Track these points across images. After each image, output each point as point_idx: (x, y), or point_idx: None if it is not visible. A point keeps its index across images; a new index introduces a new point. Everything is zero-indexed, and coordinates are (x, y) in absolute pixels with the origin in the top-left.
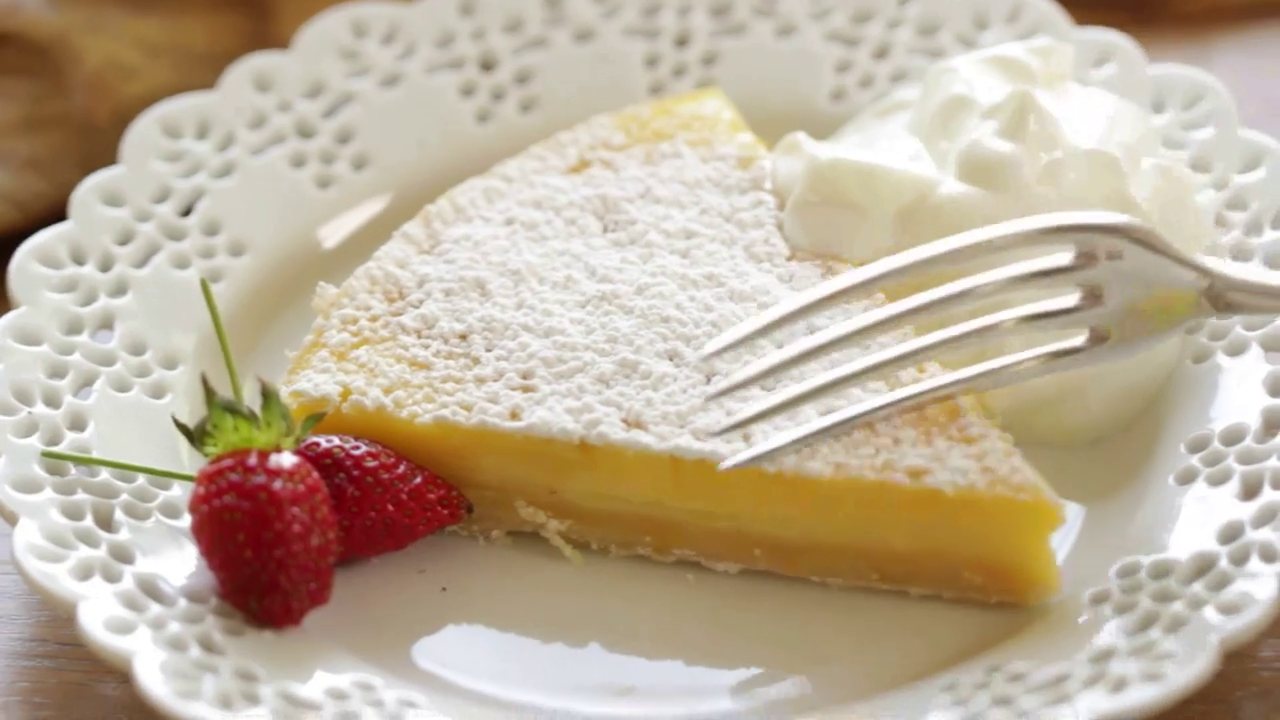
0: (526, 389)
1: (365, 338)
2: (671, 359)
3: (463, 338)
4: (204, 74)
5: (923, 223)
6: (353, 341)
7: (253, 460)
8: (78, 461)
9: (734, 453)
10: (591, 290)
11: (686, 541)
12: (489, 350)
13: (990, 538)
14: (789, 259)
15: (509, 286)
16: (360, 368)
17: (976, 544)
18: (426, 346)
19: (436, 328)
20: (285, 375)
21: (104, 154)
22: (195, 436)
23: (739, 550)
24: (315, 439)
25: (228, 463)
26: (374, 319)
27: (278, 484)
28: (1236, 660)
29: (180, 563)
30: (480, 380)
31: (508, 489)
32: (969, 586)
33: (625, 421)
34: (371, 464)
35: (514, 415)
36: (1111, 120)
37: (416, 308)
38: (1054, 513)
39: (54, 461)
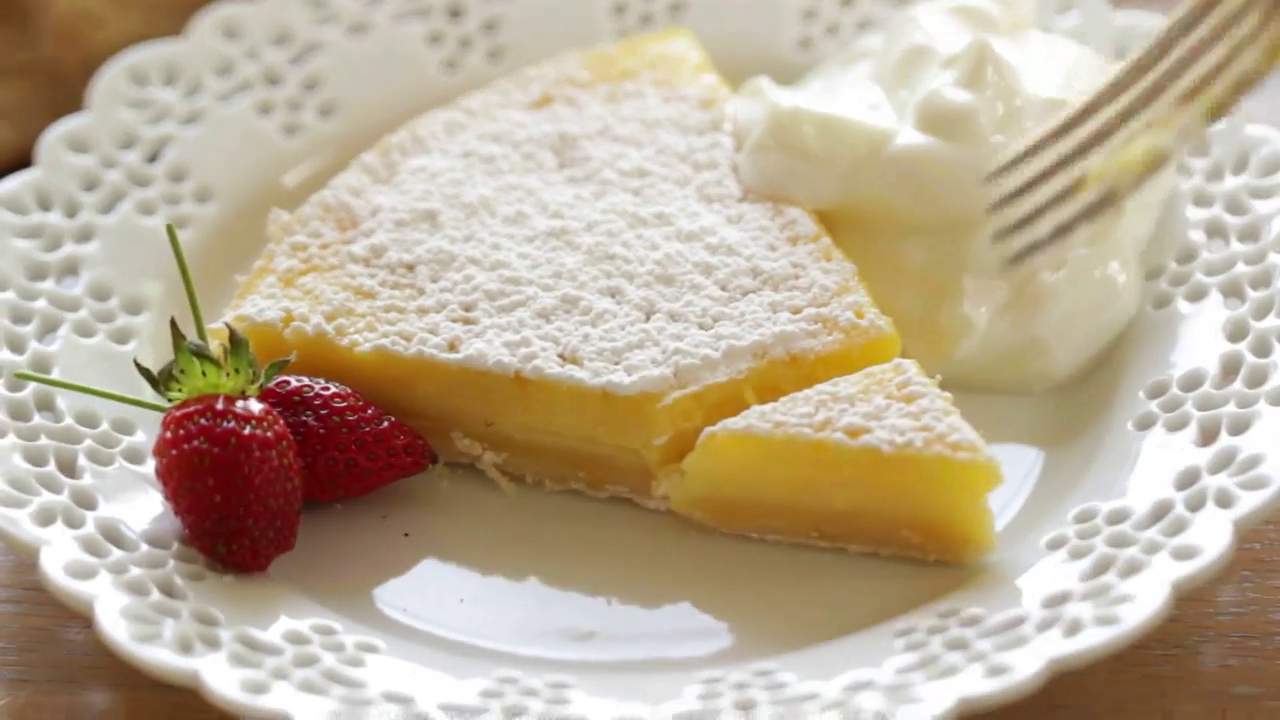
0: (467, 321)
1: (314, 265)
2: (613, 296)
3: (409, 268)
4: (173, 22)
5: (878, 172)
6: (301, 268)
7: (221, 405)
8: (50, 384)
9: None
10: (542, 225)
11: (619, 478)
12: (434, 281)
13: (927, 496)
14: (740, 200)
15: (460, 219)
16: (305, 294)
17: (914, 503)
18: (373, 276)
19: (384, 257)
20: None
21: (72, 102)
22: (160, 381)
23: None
24: (286, 377)
25: (195, 407)
26: (324, 246)
27: (247, 429)
28: (1195, 605)
29: (143, 508)
30: (422, 311)
31: (445, 420)
32: (907, 544)
33: (561, 356)
34: (340, 404)
35: (452, 347)
36: (1071, 69)
37: (367, 237)
38: (991, 472)
39: (17, 406)
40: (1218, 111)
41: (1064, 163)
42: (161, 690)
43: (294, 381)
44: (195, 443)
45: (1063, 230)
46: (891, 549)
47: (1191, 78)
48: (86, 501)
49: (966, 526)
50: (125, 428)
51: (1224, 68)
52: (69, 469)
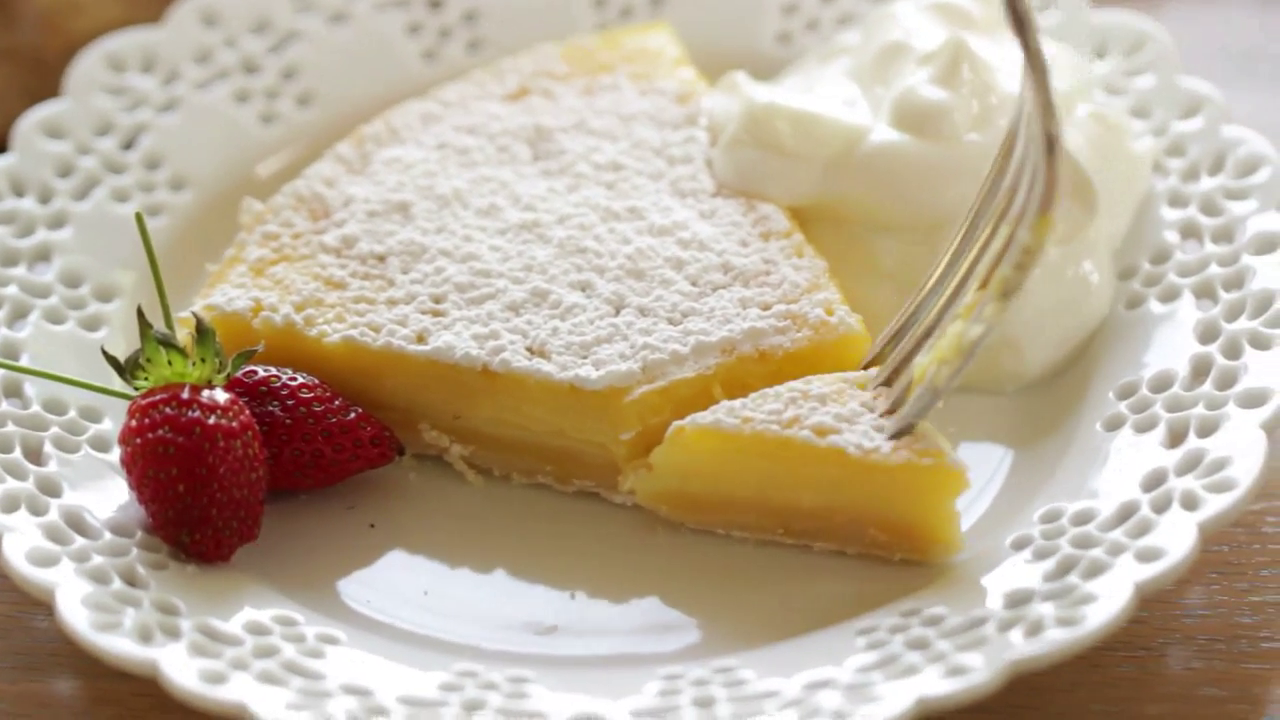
0: (436, 313)
1: (285, 254)
2: (583, 290)
3: (380, 259)
4: (153, 10)
5: (852, 169)
6: (272, 258)
7: (186, 394)
8: (17, 370)
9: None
10: (514, 218)
11: (586, 472)
12: (405, 273)
13: (895, 499)
14: (713, 195)
15: (433, 210)
16: (276, 284)
17: (881, 504)
18: (344, 266)
19: (356, 248)
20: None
21: (52, 88)
22: (127, 369)
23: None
24: (253, 367)
25: (161, 396)
26: (296, 236)
27: (212, 419)
28: (1161, 607)
29: (108, 496)
30: (392, 302)
31: (413, 412)
32: (874, 544)
33: (529, 350)
34: (306, 395)
35: (420, 339)
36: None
37: (339, 227)
38: (957, 477)
39: None
40: (1008, 291)
41: (898, 369)
42: (125, 679)
43: (261, 371)
44: (160, 431)
45: (906, 430)
46: (857, 547)
47: (984, 263)
48: (51, 489)
49: (933, 528)
50: (93, 415)
51: (1007, 248)
52: (35, 456)
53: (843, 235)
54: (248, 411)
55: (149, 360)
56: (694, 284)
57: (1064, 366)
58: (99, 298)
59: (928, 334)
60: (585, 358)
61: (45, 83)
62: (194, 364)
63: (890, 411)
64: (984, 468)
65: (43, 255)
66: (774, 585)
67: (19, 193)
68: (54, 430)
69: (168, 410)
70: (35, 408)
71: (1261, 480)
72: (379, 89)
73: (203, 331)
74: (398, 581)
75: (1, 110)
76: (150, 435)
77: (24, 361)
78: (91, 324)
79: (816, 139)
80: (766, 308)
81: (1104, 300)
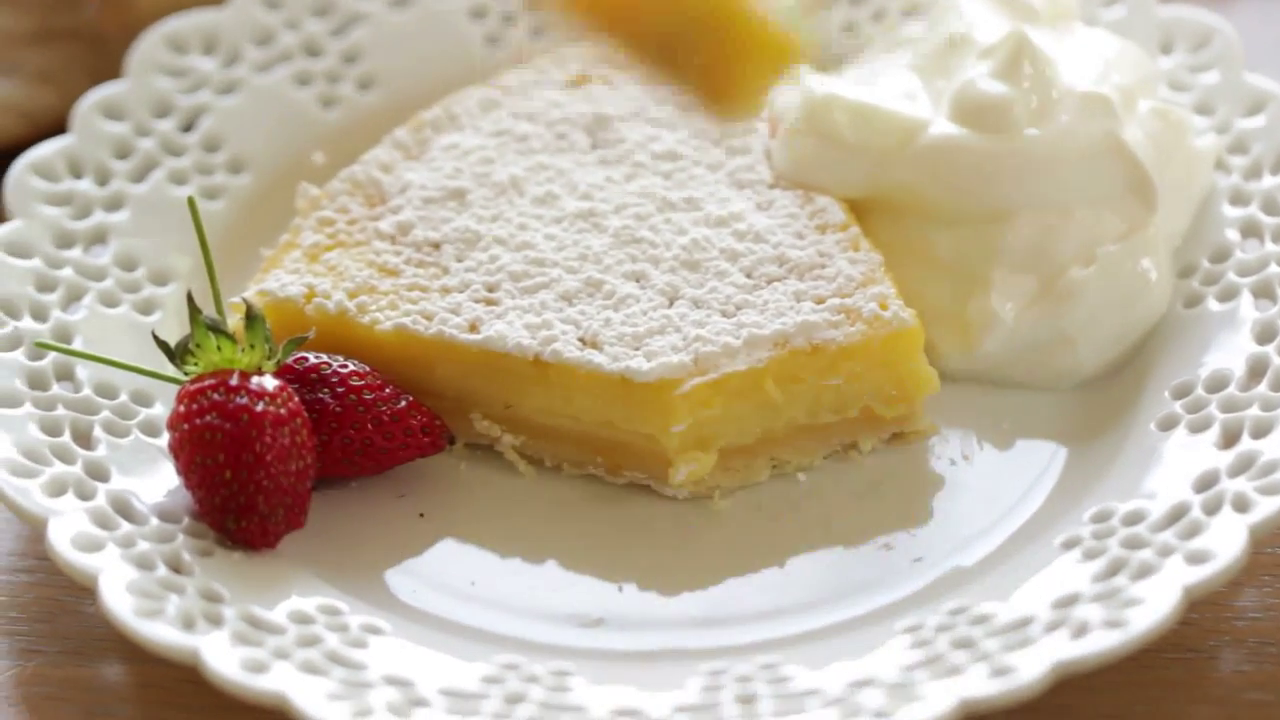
0: (490, 302)
1: (339, 240)
2: (637, 280)
3: (435, 246)
4: None
5: (910, 162)
6: (326, 244)
7: (235, 380)
8: (69, 354)
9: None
10: (570, 207)
11: (637, 464)
12: (459, 261)
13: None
14: (771, 187)
15: (489, 198)
16: (330, 270)
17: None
18: (399, 253)
19: (411, 235)
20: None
21: (114, 68)
22: (177, 354)
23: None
24: (304, 354)
25: (209, 382)
26: (352, 222)
27: (260, 405)
28: (1212, 609)
29: (157, 481)
30: (445, 290)
31: (464, 401)
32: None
33: (581, 340)
34: (357, 383)
35: (473, 327)
36: (1111, 62)
37: (395, 214)
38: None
39: (36, 375)
40: None
41: None
42: (171, 665)
43: (312, 358)
44: (207, 418)
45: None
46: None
47: None
48: (99, 473)
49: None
50: (144, 400)
51: None
52: (85, 440)
53: (900, 228)
54: (296, 399)
55: (198, 346)
56: (749, 276)
57: (1120, 364)
58: (154, 281)
59: None
60: (637, 349)
61: (108, 62)
62: (243, 350)
63: None
64: (1036, 465)
65: (99, 237)
66: (821, 583)
67: (77, 174)
68: (104, 414)
69: (215, 396)
70: (86, 391)
71: None
72: (441, 73)
73: (252, 318)
74: (445, 571)
75: (65, 90)
76: (198, 421)
77: (77, 344)
78: (146, 308)
79: (875, 131)
80: (821, 301)
81: (1162, 298)
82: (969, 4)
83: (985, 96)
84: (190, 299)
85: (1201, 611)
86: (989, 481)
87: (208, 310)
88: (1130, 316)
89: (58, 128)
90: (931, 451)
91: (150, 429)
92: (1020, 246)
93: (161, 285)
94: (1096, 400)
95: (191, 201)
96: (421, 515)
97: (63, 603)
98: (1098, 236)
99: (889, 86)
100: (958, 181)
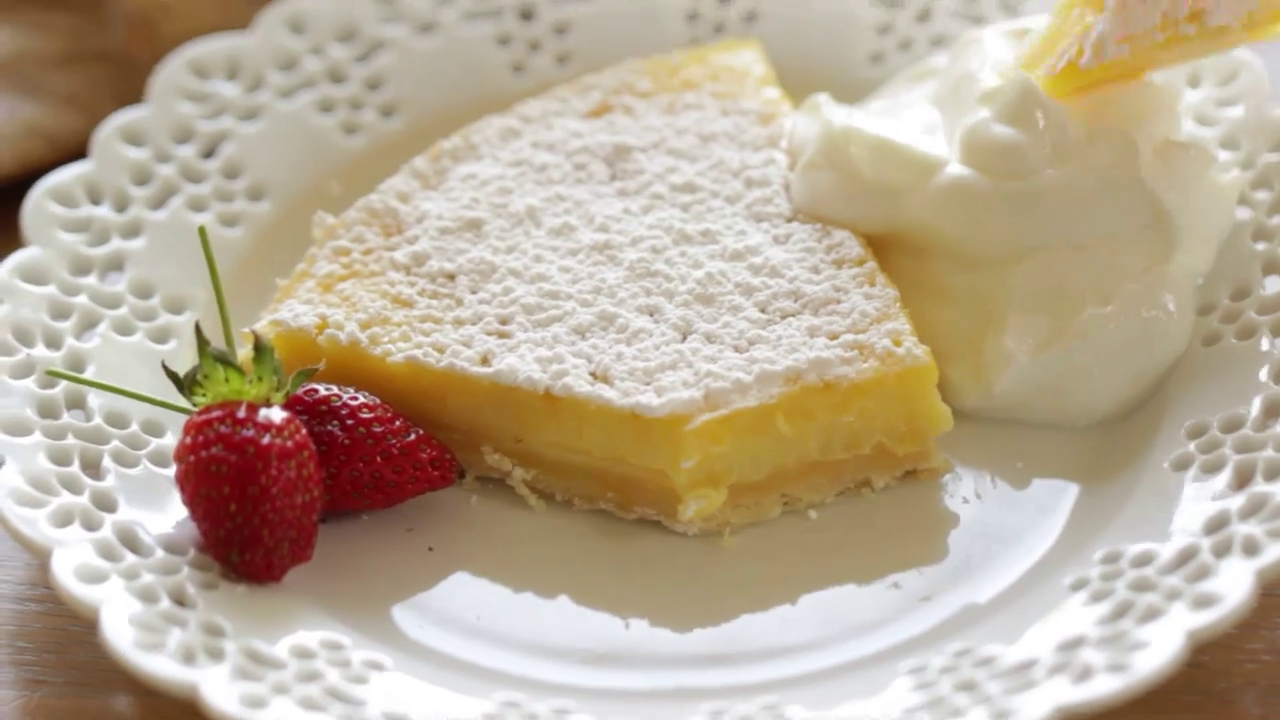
0: (502, 334)
1: (354, 270)
2: (651, 314)
3: (450, 278)
4: (245, 13)
5: (927, 200)
6: (341, 274)
7: (242, 412)
8: (80, 382)
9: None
10: (587, 239)
11: (648, 500)
12: (474, 293)
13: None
14: (789, 220)
15: (506, 229)
16: (343, 300)
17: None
18: (413, 284)
19: (426, 266)
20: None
21: (140, 91)
22: (185, 385)
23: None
24: (314, 385)
25: (217, 413)
26: (367, 252)
27: (266, 438)
28: (1224, 651)
29: (165, 512)
30: (459, 322)
31: (475, 434)
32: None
33: (593, 374)
34: (366, 415)
35: (484, 360)
36: (1132, 98)
37: (411, 244)
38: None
39: (47, 403)
40: None
41: None
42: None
43: (322, 390)
44: (213, 449)
45: None
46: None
47: None
48: (106, 504)
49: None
50: (155, 429)
51: None
52: (94, 469)
53: (917, 264)
54: (304, 431)
55: (206, 377)
56: (763, 311)
57: (1137, 403)
58: (170, 309)
59: None
60: (648, 384)
61: (134, 86)
62: (251, 381)
63: None
64: (1049, 504)
65: (115, 264)
66: (830, 621)
67: (95, 200)
68: (114, 444)
69: (222, 428)
70: (97, 420)
71: None
72: (466, 100)
73: (261, 349)
74: (453, 606)
75: (91, 113)
76: (203, 453)
77: (90, 372)
78: (160, 336)
79: (893, 167)
80: (834, 337)
81: (1182, 337)
82: (991, 38)
83: (993, 141)
84: (198, 329)
85: (1214, 654)
86: (1001, 520)
87: (222, 340)
88: (1148, 357)
89: (81, 151)
90: (945, 489)
91: (161, 459)
92: (1036, 286)
93: (177, 313)
94: (1112, 438)
95: (202, 231)
96: (430, 549)
97: (71, 633)
98: (1117, 274)
99: (910, 120)
100: (973, 222)
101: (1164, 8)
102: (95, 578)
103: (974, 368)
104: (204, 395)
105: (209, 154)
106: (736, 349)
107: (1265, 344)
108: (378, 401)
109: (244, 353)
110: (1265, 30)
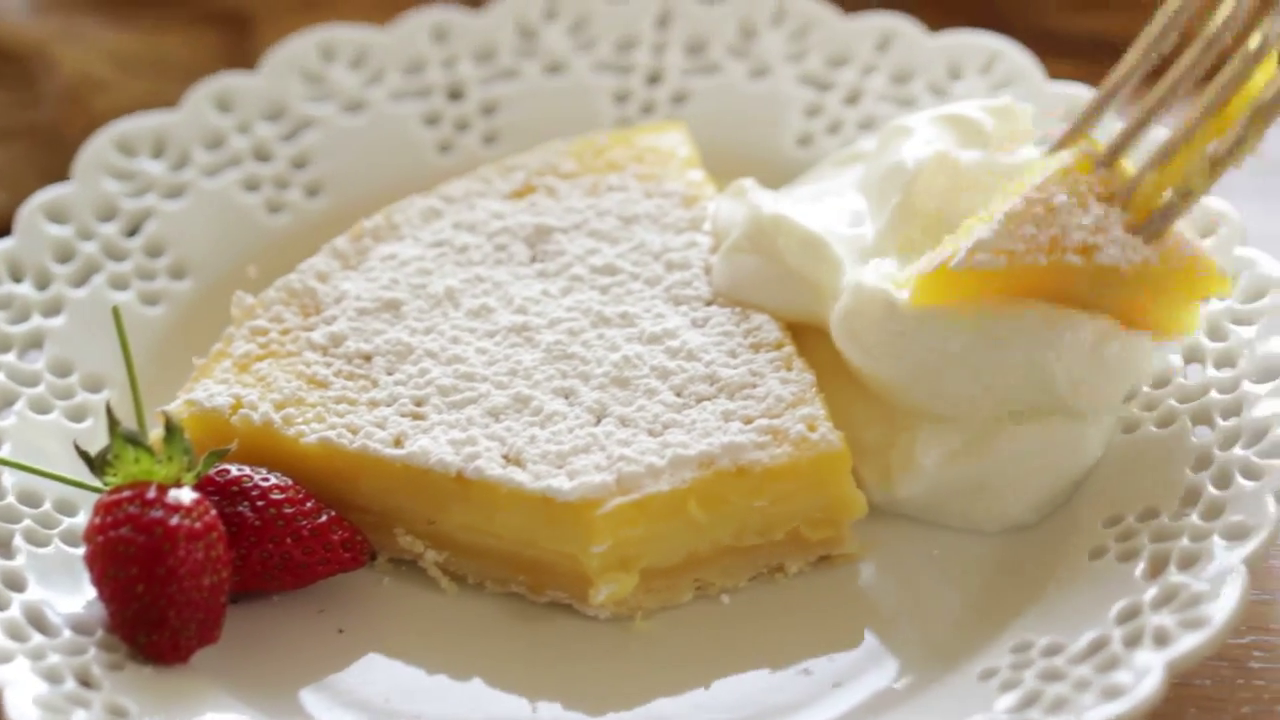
0: (416, 416)
1: (271, 350)
2: (566, 397)
3: (367, 359)
4: (179, 90)
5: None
6: (258, 354)
7: (151, 493)
8: None
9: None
10: (505, 320)
11: (559, 583)
12: (389, 374)
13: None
14: (708, 303)
15: (424, 310)
16: (259, 381)
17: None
18: (329, 365)
19: (343, 346)
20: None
21: (68, 168)
22: (96, 465)
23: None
24: (226, 466)
25: (126, 494)
26: (285, 332)
27: (174, 519)
28: None
29: (74, 593)
30: (373, 404)
31: (388, 516)
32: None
33: (505, 457)
34: (278, 496)
35: (398, 442)
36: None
37: (329, 324)
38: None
39: None
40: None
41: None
42: None
43: (234, 471)
44: (121, 530)
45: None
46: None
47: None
48: (16, 583)
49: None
50: (68, 509)
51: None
52: (5, 548)
53: (836, 350)
54: (214, 512)
55: (117, 457)
56: (678, 395)
57: (1051, 509)
58: (88, 388)
59: (1167, 152)
60: (561, 467)
61: (62, 162)
62: (161, 461)
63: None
64: (964, 592)
65: (35, 342)
66: (741, 706)
67: (17, 277)
68: (26, 523)
69: (131, 509)
70: (10, 499)
71: (1236, 619)
72: (392, 180)
73: (171, 430)
74: (363, 688)
75: (17, 187)
76: (112, 533)
77: (5, 450)
78: (78, 415)
79: (818, 263)
80: (749, 421)
81: (1097, 449)
82: (919, 124)
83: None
84: (109, 409)
85: None
86: (915, 607)
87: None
88: (1065, 467)
89: (5, 228)
90: (859, 575)
91: (72, 538)
92: (945, 408)
93: (95, 391)
94: (1030, 527)
95: (116, 311)
96: (341, 631)
97: None
98: (1031, 398)
99: (835, 207)
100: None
101: (1053, 232)
102: (1, 658)
103: (881, 467)
104: (114, 475)
105: (132, 232)
106: (651, 433)
107: (1185, 433)
108: (289, 483)
109: (157, 433)
110: (1161, 289)
